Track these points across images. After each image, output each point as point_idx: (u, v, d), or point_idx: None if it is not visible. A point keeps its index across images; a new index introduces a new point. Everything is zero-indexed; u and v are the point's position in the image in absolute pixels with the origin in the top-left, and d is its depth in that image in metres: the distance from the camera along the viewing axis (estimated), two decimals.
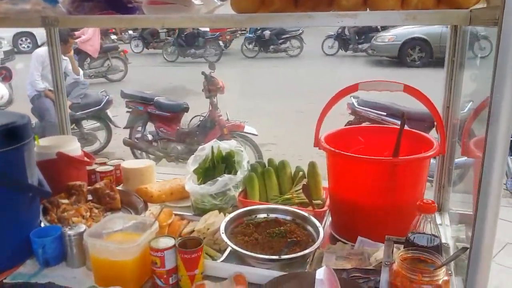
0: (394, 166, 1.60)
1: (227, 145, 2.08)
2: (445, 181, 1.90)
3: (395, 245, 1.46)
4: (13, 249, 1.59)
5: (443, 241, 1.68)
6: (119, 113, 6.91)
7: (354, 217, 1.73)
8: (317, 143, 1.77)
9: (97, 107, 6.59)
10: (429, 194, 1.94)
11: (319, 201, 1.95)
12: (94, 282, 1.51)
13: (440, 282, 1.15)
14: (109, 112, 6.78)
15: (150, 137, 6.17)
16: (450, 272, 1.24)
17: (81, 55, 10.63)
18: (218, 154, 2.07)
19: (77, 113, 6.46)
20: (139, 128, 6.29)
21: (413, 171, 1.63)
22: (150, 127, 6.30)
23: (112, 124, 6.80)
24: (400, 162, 1.62)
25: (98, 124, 6.88)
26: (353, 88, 1.78)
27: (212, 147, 2.07)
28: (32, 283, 1.53)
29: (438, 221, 1.86)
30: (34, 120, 6.26)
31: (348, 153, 1.63)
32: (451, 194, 1.92)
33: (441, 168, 1.89)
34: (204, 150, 2.08)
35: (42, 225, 1.76)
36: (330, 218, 1.89)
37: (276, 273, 1.48)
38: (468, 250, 1.02)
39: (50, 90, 6.40)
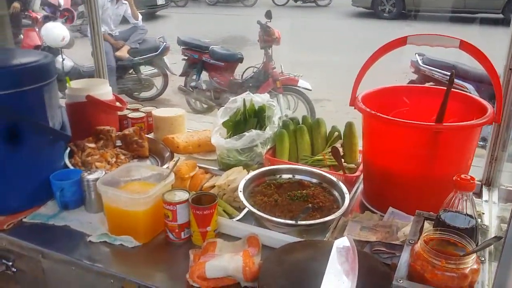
0: (436, 133, 1.40)
1: (260, 98, 1.95)
2: (498, 152, 1.68)
3: (426, 221, 1.31)
4: (33, 190, 1.60)
5: (486, 220, 1.50)
6: (177, 60, 6.91)
7: (387, 185, 1.57)
8: (353, 102, 1.61)
9: (155, 53, 6.61)
10: (480, 163, 1.73)
11: (353, 165, 1.80)
12: (107, 230, 1.49)
13: (467, 271, 0.99)
14: (166, 58, 6.80)
15: (204, 85, 6.14)
16: (483, 259, 1.09)
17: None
18: (251, 107, 1.96)
19: (135, 58, 6.54)
20: (194, 77, 6.27)
21: (458, 140, 1.43)
22: (205, 76, 6.26)
23: (169, 71, 6.84)
24: (443, 129, 1.42)
25: (155, 70, 6.94)
26: (401, 41, 1.57)
27: (244, 100, 1.95)
28: (49, 225, 1.54)
29: (485, 197, 1.66)
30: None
31: (383, 115, 1.45)
32: (503, 168, 1.70)
33: (495, 138, 1.66)
34: (236, 102, 1.96)
35: (71, 167, 1.75)
36: (362, 185, 1.74)
37: (293, 239, 1.39)
38: (503, 240, 0.86)
39: (109, 34, 6.49)
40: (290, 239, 1.38)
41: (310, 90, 5.58)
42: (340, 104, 6.26)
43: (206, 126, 2.24)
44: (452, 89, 1.61)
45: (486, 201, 1.63)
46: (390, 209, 1.54)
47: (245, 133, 1.77)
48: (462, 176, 1.12)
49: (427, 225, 1.33)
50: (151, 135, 2.15)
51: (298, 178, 1.64)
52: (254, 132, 1.77)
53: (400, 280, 1.03)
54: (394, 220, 1.50)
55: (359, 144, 1.85)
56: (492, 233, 1.34)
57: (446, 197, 1.54)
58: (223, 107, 1.95)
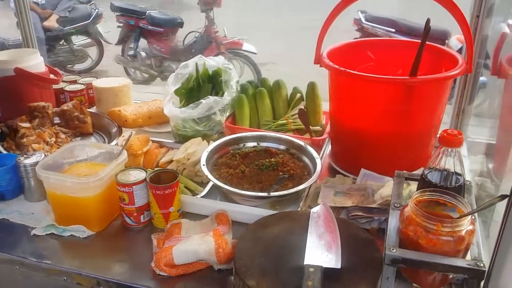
0: (410, 87, 1.32)
1: (213, 62, 1.78)
2: (465, 105, 1.63)
3: (406, 182, 1.23)
4: None
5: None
6: (111, 29, 6.47)
7: (358, 146, 1.48)
8: (318, 60, 1.48)
9: (86, 21, 6.17)
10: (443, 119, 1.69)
11: (318, 128, 1.70)
12: (53, 221, 1.31)
13: (463, 233, 0.92)
14: (100, 27, 6.36)
15: (143, 54, 5.83)
16: (474, 218, 1.02)
17: None
18: (204, 72, 1.79)
19: (65, 28, 6.07)
20: (132, 45, 5.93)
21: (432, 94, 1.35)
22: (143, 43, 5.92)
23: (104, 40, 6.42)
24: (418, 83, 1.33)
25: (88, 40, 6.49)
26: None
27: (196, 64, 1.78)
28: None
29: None
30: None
31: (354, 72, 1.34)
32: (471, 120, 1.67)
33: (462, 90, 1.61)
34: (188, 67, 1.78)
35: (4, 152, 1.53)
36: (330, 147, 1.65)
37: (265, 211, 1.28)
38: (508, 198, 0.78)
39: (35, 3, 5.95)
40: (262, 213, 1.26)
41: (256, 53, 5.44)
42: (287, 67, 6.16)
43: (149, 97, 2.04)
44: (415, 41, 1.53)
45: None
46: (362, 170, 1.46)
47: (201, 100, 1.61)
48: (449, 131, 1.04)
49: (404, 185, 1.25)
50: (93, 109, 1.93)
51: (264, 145, 1.51)
52: (211, 99, 1.61)
53: (392, 249, 0.95)
54: (368, 182, 1.42)
55: (323, 105, 1.75)
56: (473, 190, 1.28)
57: (419, 153, 1.49)
58: (174, 73, 1.77)
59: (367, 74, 1.32)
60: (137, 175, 1.29)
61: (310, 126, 1.68)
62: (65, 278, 1.18)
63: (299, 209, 1.34)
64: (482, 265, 0.88)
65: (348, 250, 1.08)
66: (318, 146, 1.58)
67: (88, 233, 1.27)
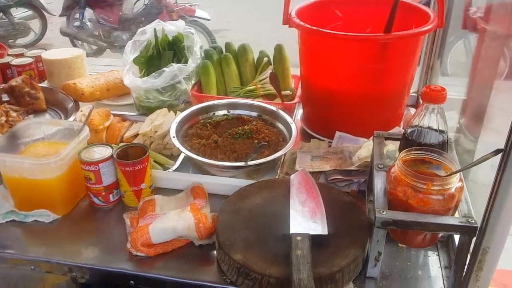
0: (385, 44, 1.27)
1: (173, 27, 1.67)
2: (434, 61, 1.62)
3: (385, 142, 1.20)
4: None
5: None
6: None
7: (331, 108, 1.44)
8: (286, 20, 1.41)
9: None
10: None
11: (288, 92, 1.64)
12: (13, 206, 1.20)
13: (453, 190, 0.90)
14: None
15: (90, 25, 5.51)
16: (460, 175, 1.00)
17: None
18: (164, 38, 1.68)
19: (3, 0, 5.63)
20: (77, 15, 5.60)
21: (406, 50, 1.32)
22: (90, 13, 5.60)
23: (46, 12, 6.03)
24: (393, 39, 1.29)
25: (30, 12, 6.11)
26: None
27: (154, 29, 1.66)
28: None
29: None
30: None
31: (327, 30, 1.29)
32: (439, 78, 1.66)
33: (431, 46, 1.59)
34: (145, 33, 1.66)
35: None
36: (302, 111, 1.60)
37: (243, 182, 1.22)
38: (502, 153, 0.76)
39: None
40: (239, 183, 1.21)
41: (209, 20, 5.27)
42: (241, 33, 6.03)
43: (101, 70, 1.90)
44: None
45: None
46: (337, 133, 1.42)
47: (164, 69, 1.50)
48: (432, 86, 1.01)
49: None
50: (45, 84, 1.78)
51: (236, 113, 1.44)
52: (175, 67, 1.51)
53: (382, 211, 0.92)
54: (344, 145, 1.39)
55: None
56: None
57: (393, 113, 1.47)
58: (131, 41, 1.64)
59: (340, 33, 1.27)
60: (103, 151, 1.19)
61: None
62: (33, 267, 1.08)
63: (276, 176, 1.29)
64: (473, 221, 0.86)
65: (332, 215, 1.05)
66: (289, 111, 1.53)
67: (53, 217, 1.17)
